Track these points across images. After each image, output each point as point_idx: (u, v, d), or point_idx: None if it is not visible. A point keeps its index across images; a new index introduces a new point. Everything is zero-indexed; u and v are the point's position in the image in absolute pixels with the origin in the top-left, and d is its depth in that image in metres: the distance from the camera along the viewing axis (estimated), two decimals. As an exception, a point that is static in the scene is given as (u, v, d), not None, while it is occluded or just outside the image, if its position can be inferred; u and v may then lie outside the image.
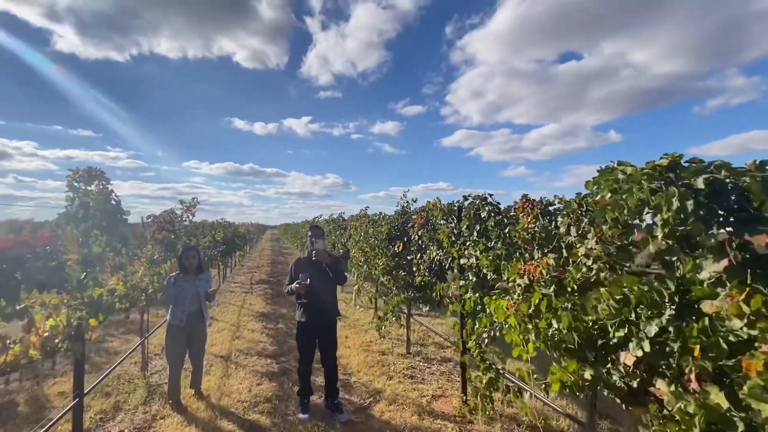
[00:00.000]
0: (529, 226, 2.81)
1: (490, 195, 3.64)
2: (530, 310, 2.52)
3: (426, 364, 5.07)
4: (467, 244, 3.59)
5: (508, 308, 2.90)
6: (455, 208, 4.09)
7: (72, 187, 2.78)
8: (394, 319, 5.45)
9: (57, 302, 2.39)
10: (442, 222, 4.11)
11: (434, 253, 4.19)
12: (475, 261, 3.42)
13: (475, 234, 3.45)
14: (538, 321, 2.41)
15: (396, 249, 5.28)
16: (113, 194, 3.09)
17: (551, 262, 2.49)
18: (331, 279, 3.75)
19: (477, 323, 3.51)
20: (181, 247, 3.75)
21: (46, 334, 2.32)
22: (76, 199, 2.78)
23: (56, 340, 2.41)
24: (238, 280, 12.79)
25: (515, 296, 2.84)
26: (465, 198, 3.99)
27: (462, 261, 3.62)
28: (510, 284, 2.97)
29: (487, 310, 3.28)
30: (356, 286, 8.53)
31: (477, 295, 3.51)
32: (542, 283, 2.51)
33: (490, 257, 3.17)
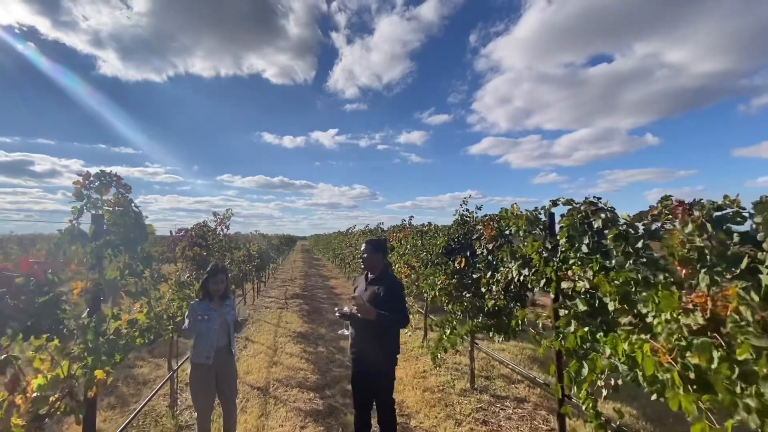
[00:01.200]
0: (689, 239, 1.99)
1: (598, 199, 2.82)
2: (718, 366, 1.70)
3: (498, 405, 4.21)
4: (570, 262, 2.78)
5: (658, 355, 2.10)
6: (540, 215, 3.29)
7: (81, 195, 2.20)
8: (449, 345, 4.65)
9: (52, 350, 1.77)
10: (523, 233, 3.31)
11: (514, 272, 3.39)
12: (587, 285, 2.60)
13: (585, 249, 2.63)
14: (744, 388, 1.58)
15: (457, 265, 4.50)
16: (133, 204, 2.50)
17: (755, 296, 1.66)
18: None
19: (586, 366, 2.68)
20: (210, 266, 3.12)
21: (35, 394, 1.70)
22: (85, 211, 2.19)
23: (53, 399, 1.79)
24: (273, 295, 12.31)
25: (669, 338, 2.02)
26: (554, 203, 3.18)
27: (564, 285, 2.81)
28: (656, 320, 2.14)
29: (606, 351, 2.45)
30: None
31: (587, 330, 2.68)
32: (737, 326, 1.68)
33: (618, 281, 2.34)
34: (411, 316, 5.75)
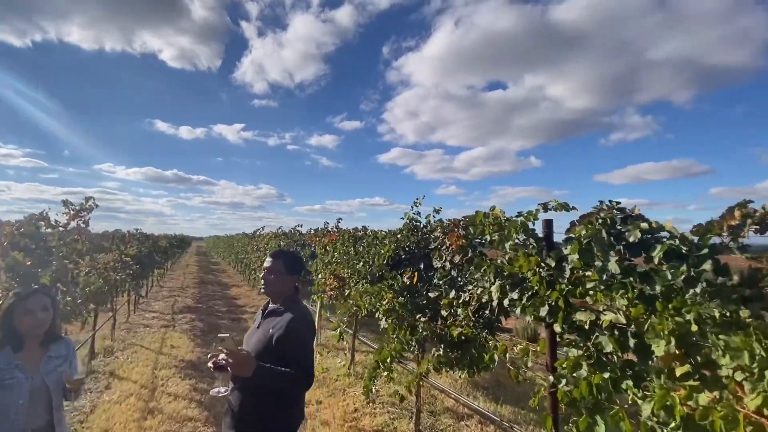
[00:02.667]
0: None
1: (617, 203, 2.19)
2: None
3: (453, 454, 3.43)
4: (588, 286, 2.08)
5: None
6: (530, 222, 2.58)
7: None
8: (385, 373, 3.77)
9: None
10: (511, 245, 2.57)
11: (494, 294, 2.63)
12: (621, 318, 1.92)
13: (614, 269, 1.95)
14: None
15: (406, 280, 3.63)
16: None
17: None
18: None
19: (603, 425, 2.01)
20: (16, 289, 1.75)
21: None
22: None
23: None
24: (156, 309, 10.08)
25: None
26: (544, 207, 2.51)
27: (580, 316, 2.10)
28: (742, 376, 1.52)
29: (645, 409, 1.81)
30: (317, 317, 6.67)
31: (607, 376, 2.00)
32: None
33: (678, 317, 1.67)
34: (341, 335, 4.72)
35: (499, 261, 2.66)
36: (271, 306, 2.01)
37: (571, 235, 2.31)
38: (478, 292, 2.90)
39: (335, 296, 5.53)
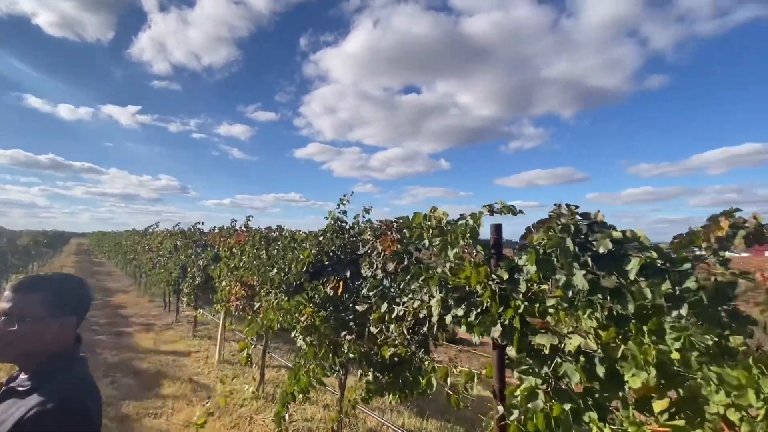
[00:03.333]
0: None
1: (575, 207, 1.93)
2: None
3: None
4: (548, 303, 1.78)
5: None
6: (475, 224, 2.24)
7: None
8: (300, 396, 3.21)
9: None
10: (455, 253, 2.20)
11: (434, 309, 2.25)
12: (591, 344, 1.64)
13: (581, 284, 1.66)
14: None
15: (328, 291, 3.09)
16: None
17: None
18: None
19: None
20: None
21: None
22: None
23: None
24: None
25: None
26: (490, 209, 2.20)
27: (540, 340, 1.78)
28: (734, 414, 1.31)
29: None
30: (220, 332, 5.80)
31: (568, 407, 1.72)
32: None
33: (666, 344, 1.41)
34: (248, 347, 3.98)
35: (440, 270, 2.27)
36: (17, 378, 1.08)
37: (525, 242, 2.01)
38: (415, 306, 2.49)
39: (242, 307, 4.75)
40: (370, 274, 2.86)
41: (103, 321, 8.51)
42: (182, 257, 7.52)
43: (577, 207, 1.95)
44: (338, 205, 3.37)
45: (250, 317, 4.71)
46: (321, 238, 3.35)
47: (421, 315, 2.47)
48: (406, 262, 2.58)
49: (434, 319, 2.33)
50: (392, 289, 2.74)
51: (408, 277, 2.51)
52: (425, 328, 2.45)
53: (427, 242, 2.30)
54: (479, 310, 2.05)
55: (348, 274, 3.11)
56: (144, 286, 12.18)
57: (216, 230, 6.40)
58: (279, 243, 4.12)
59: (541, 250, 1.86)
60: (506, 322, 1.92)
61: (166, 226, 10.54)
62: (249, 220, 5.43)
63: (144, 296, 11.60)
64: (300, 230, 4.14)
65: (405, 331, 2.53)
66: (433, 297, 2.29)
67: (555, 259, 1.79)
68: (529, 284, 1.90)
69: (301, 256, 3.36)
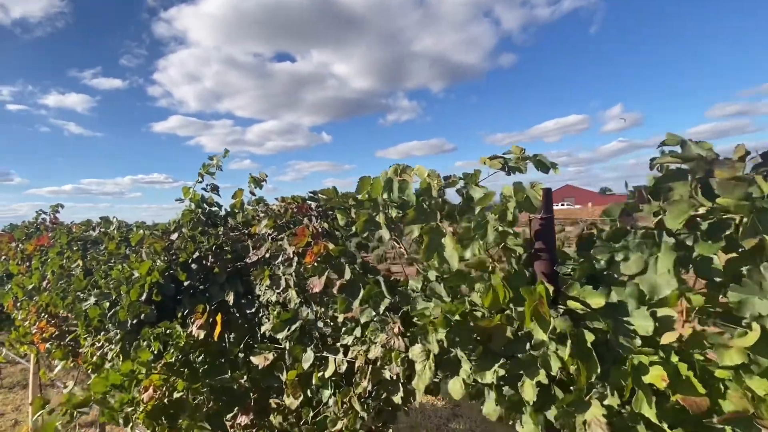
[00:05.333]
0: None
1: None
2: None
3: None
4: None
5: None
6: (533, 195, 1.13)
7: None
8: None
9: None
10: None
11: (419, 364, 1.12)
12: None
13: None
14: None
15: (195, 331, 1.69)
16: None
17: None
18: None
19: None
20: None
21: None
22: None
23: None
24: None
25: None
26: (502, 162, 1.13)
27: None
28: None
29: None
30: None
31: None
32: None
33: None
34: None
35: (444, 292, 1.12)
36: None
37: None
38: (372, 354, 1.30)
39: (55, 349, 2.95)
40: (273, 298, 1.54)
41: None
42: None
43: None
44: (200, 178, 1.89)
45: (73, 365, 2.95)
46: (173, 237, 1.86)
47: (386, 372, 1.30)
48: (348, 275, 1.34)
49: (417, 382, 1.18)
50: (321, 322, 1.49)
51: (357, 302, 1.29)
52: (397, 396, 1.29)
53: (409, 236, 1.11)
54: (538, 374, 0.95)
55: (230, 298, 1.73)
56: None
57: (2, 230, 4.09)
58: (103, 247, 2.44)
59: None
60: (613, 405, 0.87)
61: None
62: (57, 211, 3.44)
63: None
64: (144, 222, 2.54)
65: (355, 404, 1.33)
66: (423, 343, 1.13)
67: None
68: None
69: (138, 272, 1.82)
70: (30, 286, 3.14)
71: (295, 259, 1.49)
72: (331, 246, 1.37)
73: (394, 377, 1.29)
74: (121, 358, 1.82)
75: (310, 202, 1.60)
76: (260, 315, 1.65)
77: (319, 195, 1.50)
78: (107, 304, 2.00)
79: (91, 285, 2.25)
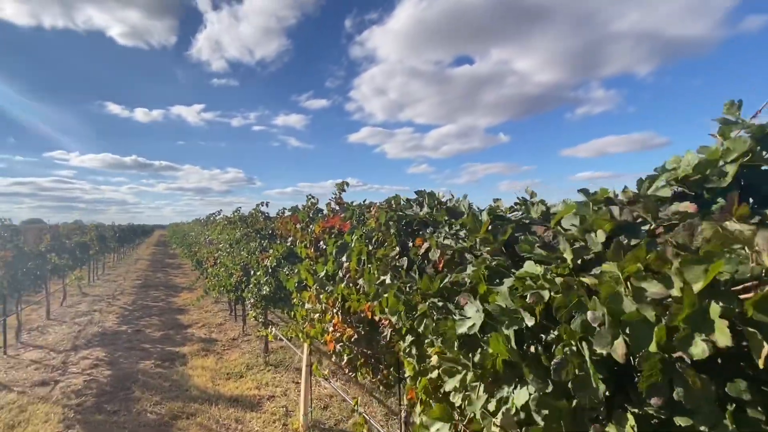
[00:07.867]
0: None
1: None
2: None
3: None
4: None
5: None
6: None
7: None
8: None
9: None
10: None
11: None
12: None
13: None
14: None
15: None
16: None
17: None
18: None
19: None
20: None
21: None
22: None
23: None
24: (51, 340, 6.55)
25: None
26: None
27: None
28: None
29: None
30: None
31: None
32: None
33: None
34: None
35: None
36: None
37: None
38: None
39: (348, 359, 2.40)
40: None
41: (156, 335, 6.80)
42: (243, 253, 5.40)
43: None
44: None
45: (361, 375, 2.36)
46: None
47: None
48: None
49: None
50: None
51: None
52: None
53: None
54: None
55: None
56: (208, 285, 10.68)
57: (285, 213, 4.13)
58: (445, 229, 1.59)
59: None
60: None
61: (227, 214, 8.65)
62: (343, 190, 3.01)
63: (208, 295, 10.04)
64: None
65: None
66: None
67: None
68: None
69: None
70: (322, 274, 2.72)
71: None
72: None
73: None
74: None
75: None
76: None
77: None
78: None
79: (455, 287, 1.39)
